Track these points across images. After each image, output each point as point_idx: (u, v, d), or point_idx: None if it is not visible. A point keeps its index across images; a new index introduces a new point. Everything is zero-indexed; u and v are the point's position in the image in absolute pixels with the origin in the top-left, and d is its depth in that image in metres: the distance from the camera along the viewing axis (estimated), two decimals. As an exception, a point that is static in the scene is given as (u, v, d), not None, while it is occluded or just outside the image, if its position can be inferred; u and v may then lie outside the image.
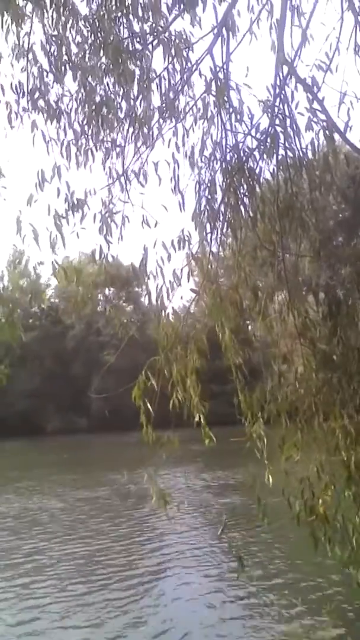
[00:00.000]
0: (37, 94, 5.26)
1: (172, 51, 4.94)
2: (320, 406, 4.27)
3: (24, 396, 44.79)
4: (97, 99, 5.23)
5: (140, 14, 4.99)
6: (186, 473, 21.94)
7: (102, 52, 5.12)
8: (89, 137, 5.29)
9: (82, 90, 5.24)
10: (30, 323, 48.27)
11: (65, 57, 5.19)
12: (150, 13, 5.02)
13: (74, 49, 5.23)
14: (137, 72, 5.07)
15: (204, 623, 8.11)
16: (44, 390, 48.42)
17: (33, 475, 24.60)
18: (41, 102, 5.23)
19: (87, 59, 5.23)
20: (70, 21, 5.12)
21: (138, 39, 5.13)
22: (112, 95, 5.16)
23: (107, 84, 5.24)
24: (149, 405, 4.11)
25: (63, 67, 5.18)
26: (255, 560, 10.38)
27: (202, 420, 4.25)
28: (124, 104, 5.26)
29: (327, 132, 4.03)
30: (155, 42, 5.01)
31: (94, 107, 5.22)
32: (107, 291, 53.87)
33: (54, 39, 5.19)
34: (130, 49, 5.10)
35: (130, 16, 5.02)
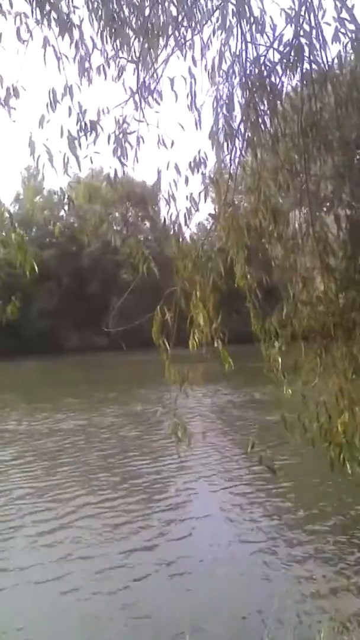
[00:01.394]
0: (47, 6, 4.97)
1: None
2: (338, 328, 4.24)
3: (43, 315, 45.29)
4: (111, 7, 4.95)
5: None
6: (212, 391, 22.44)
7: None
8: (103, 51, 5.04)
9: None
10: (47, 242, 48.09)
11: None
12: None
13: None
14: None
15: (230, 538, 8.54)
16: (62, 309, 48.92)
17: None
18: (53, 14, 4.94)
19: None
20: None
21: None
22: (126, 6, 4.87)
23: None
24: (167, 344, 4.06)
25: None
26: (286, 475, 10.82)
27: (220, 346, 4.23)
28: (139, 15, 4.97)
29: (355, 43, 3.78)
30: None
31: (106, 18, 4.94)
32: (122, 209, 53.18)
33: None
34: None
35: None
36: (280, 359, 4.22)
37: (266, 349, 4.40)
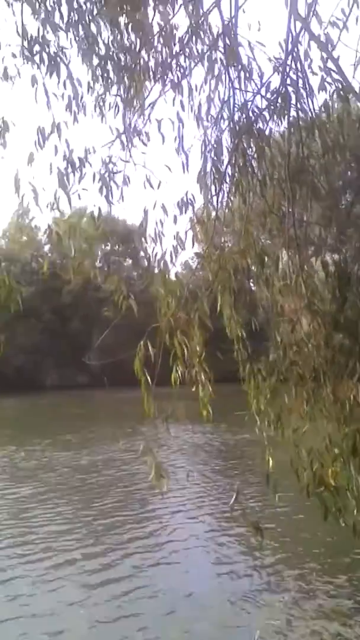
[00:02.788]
0: (36, 46, 5.01)
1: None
2: (328, 374, 4.21)
3: (22, 352, 44.86)
4: (101, 51, 5.02)
5: None
6: (188, 433, 22.15)
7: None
8: (90, 90, 5.08)
9: (85, 42, 5.00)
10: (29, 278, 47.94)
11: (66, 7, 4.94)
12: None
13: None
14: (144, 23, 4.83)
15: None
16: (43, 346, 48.57)
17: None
18: (42, 54, 4.98)
19: (89, 9, 4.99)
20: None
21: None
22: (116, 48, 4.93)
23: (117, 35, 4.99)
24: (149, 378, 4.04)
25: (65, 16, 4.93)
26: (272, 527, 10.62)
27: (200, 392, 4.20)
28: (127, 57, 5.04)
29: (341, 92, 3.84)
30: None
31: (97, 60, 5.00)
32: (104, 246, 53.37)
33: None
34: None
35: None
36: (269, 410, 4.18)
37: (253, 398, 4.38)
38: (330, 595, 8.00)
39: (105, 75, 5.10)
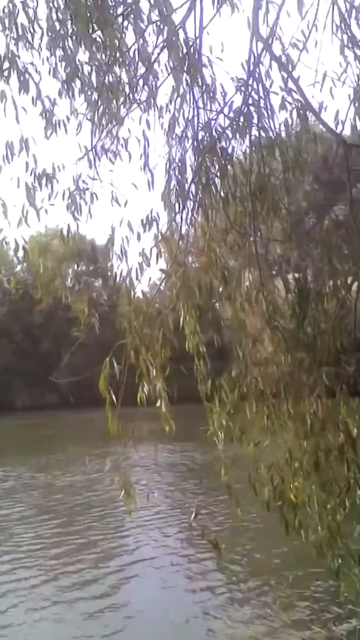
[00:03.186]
0: (6, 63, 5.02)
1: (145, 22, 4.75)
2: (288, 390, 4.23)
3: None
4: (68, 69, 5.04)
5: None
6: (158, 453, 21.98)
7: (72, 21, 4.92)
8: (59, 107, 5.09)
9: (54, 60, 5.03)
10: (1, 299, 47.56)
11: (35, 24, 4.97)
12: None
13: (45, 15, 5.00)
14: (110, 42, 4.88)
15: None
16: (13, 366, 47.97)
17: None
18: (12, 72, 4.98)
19: (58, 27, 5.02)
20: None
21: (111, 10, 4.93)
22: (84, 67, 4.97)
23: (88, 54, 5.03)
24: (114, 396, 4.02)
25: (34, 34, 4.95)
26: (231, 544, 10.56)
27: (163, 407, 4.19)
28: (95, 77, 5.07)
29: (301, 111, 3.93)
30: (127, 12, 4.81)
31: (64, 78, 5.03)
32: (75, 266, 53.14)
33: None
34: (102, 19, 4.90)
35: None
36: (230, 424, 4.18)
37: (212, 414, 4.38)
38: (291, 608, 8.00)
39: (76, 93, 5.13)
